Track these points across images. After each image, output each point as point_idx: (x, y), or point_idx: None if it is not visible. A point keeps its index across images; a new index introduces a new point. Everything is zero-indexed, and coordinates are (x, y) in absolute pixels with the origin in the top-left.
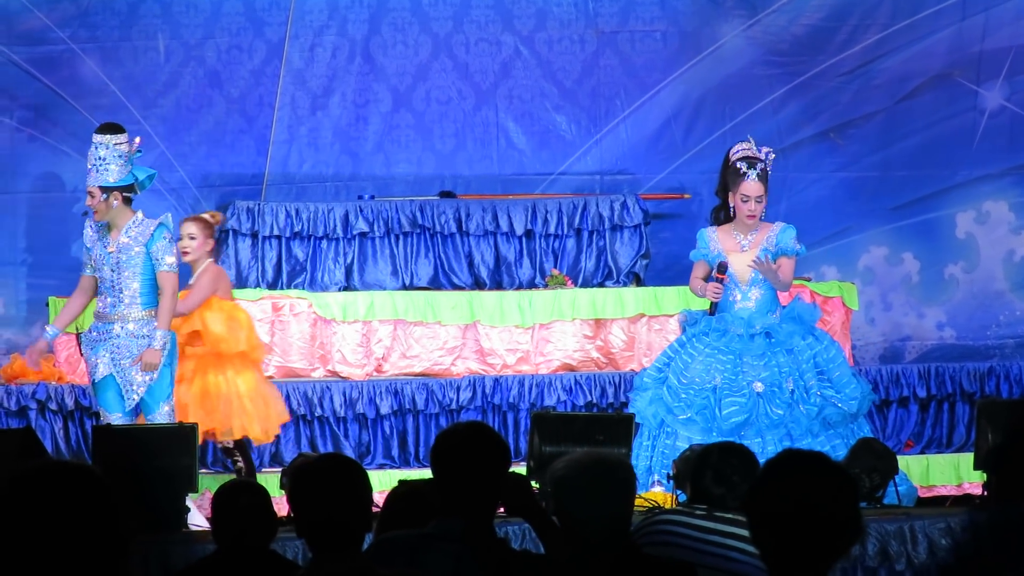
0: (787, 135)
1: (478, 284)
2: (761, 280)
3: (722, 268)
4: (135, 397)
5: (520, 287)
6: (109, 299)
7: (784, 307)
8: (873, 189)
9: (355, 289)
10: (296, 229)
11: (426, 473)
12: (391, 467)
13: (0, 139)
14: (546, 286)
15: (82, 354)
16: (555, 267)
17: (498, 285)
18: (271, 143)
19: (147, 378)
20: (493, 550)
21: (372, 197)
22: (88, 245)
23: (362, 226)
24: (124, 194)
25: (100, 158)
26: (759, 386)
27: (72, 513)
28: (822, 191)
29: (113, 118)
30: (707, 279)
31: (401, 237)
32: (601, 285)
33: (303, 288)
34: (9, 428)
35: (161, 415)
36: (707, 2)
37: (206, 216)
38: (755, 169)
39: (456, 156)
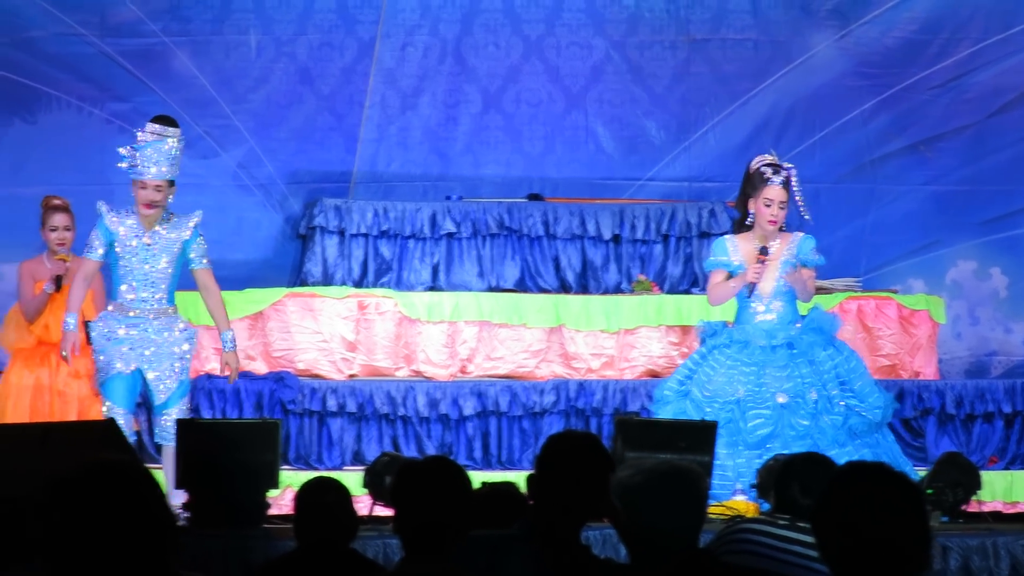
0: (876, 147)
1: (564, 288)
2: (783, 292)
3: (764, 250)
4: (164, 394)
5: (606, 292)
6: (140, 292)
7: (804, 318)
8: (962, 203)
9: (441, 289)
10: (383, 228)
11: (508, 475)
12: (473, 468)
13: (90, 131)
14: (632, 291)
15: (89, 342)
16: (642, 273)
17: (584, 289)
18: (360, 141)
19: (175, 377)
20: (575, 555)
21: (460, 198)
22: (114, 232)
23: (449, 226)
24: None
25: (169, 148)
26: (782, 398)
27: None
28: (910, 204)
29: (203, 112)
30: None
31: (488, 239)
32: (687, 292)
33: (389, 287)
34: (92, 420)
35: (177, 412)
36: (799, 12)
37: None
38: (779, 175)
39: (545, 159)
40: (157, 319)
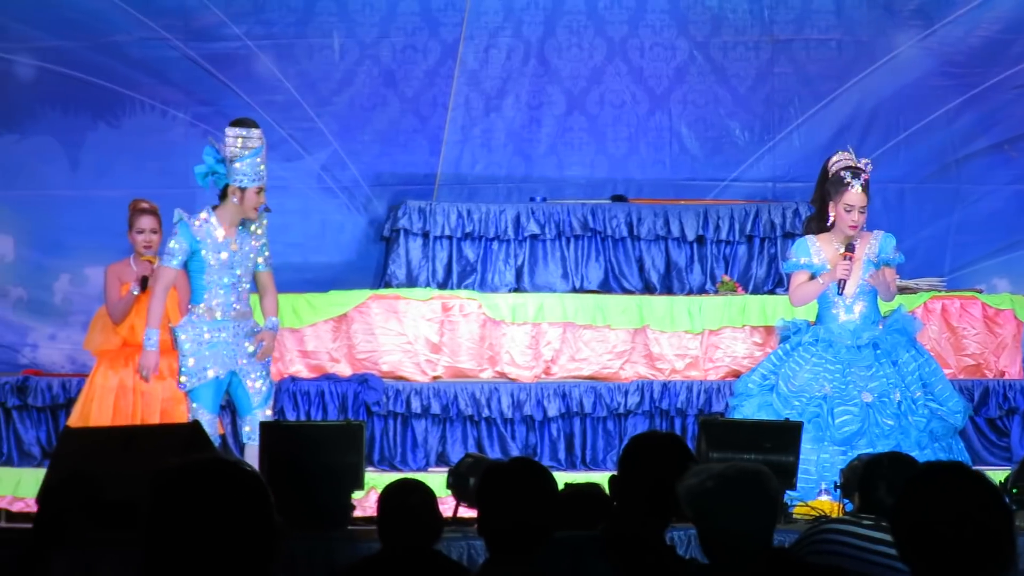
0: (961, 146)
1: (648, 289)
2: (866, 292)
3: (851, 247)
4: (257, 396)
5: (690, 292)
6: (229, 298)
7: (885, 318)
8: None
9: (525, 291)
10: (467, 230)
11: (592, 476)
12: (557, 470)
13: (174, 135)
14: (716, 292)
15: (175, 346)
16: (726, 273)
17: (668, 290)
18: (444, 143)
19: (266, 379)
20: (659, 556)
21: (544, 199)
22: (200, 240)
23: (533, 228)
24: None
25: (255, 151)
26: (868, 396)
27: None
28: (995, 203)
29: (286, 115)
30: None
31: (572, 240)
32: (772, 292)
33: (473, 289)
34: (176, 423)
35: (262, 416)
36: (883, 12)
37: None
38: (859, 179)
39: (629, 160)
40: (244, 322)
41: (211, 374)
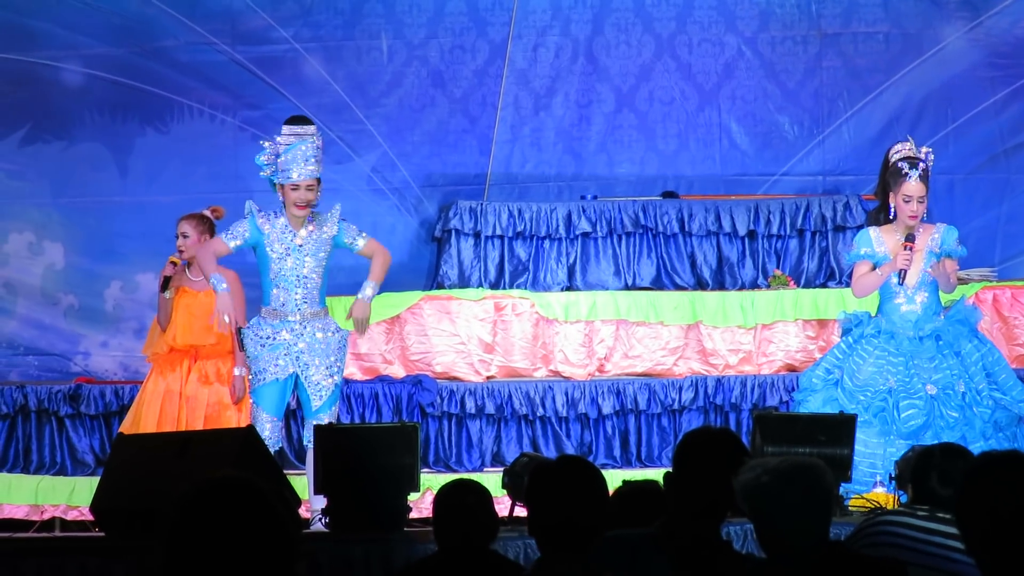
0: (1009, 137)
1: (700, 284)
2: (928, 283)
3: (911, 237)
4: (320, 399)
5: (742, 287)
6: (293, 295)
7: (947, 309)
8: None
9: (577, 289)
10: (519, 229)
11: (648, 473)
12: (613, 467)
13: (223, 139)
14: (768, 286)
15: (242, 348)
16: (777, 267)
17: (720, 285)
18: (494, 143)
19: (331, 381)
20: (715, 552)
21: (595, 197)
22: (264, 233)
23: (585, 226)
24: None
25: (317, 149)
26: (932, 389)
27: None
28: None
29: (336, 117)
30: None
31: (624, 237)
32: (824, 286)
33: (525, 288)
34: (231, 428)
35: (327, 418)
36: (929, 4)
37: (205, 212)
38: (916, 169)
39: (679, 156)
40: (311, 321)
41: (271, 376)
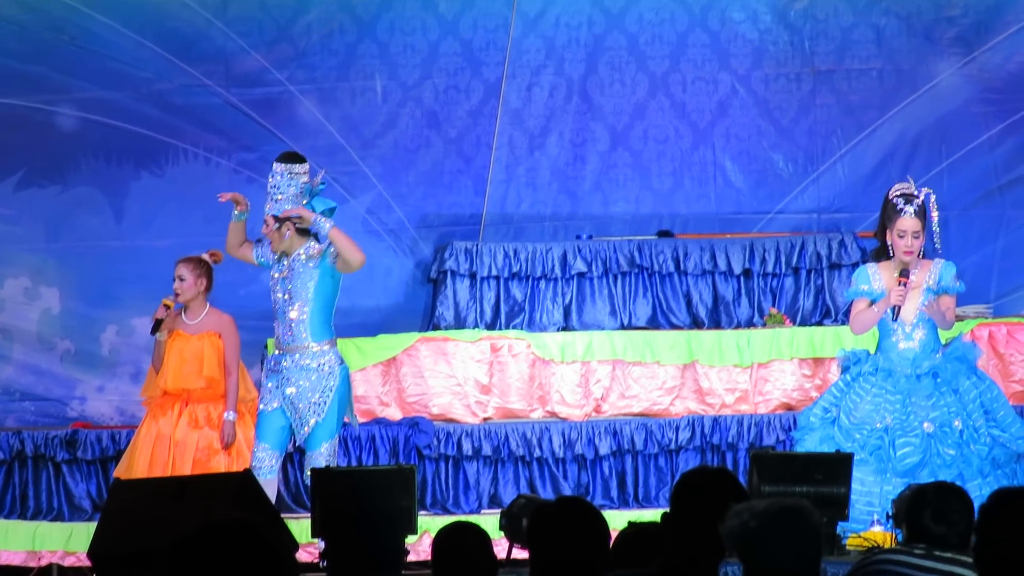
0: (1004, 172)
1: (696, 323)
2: (925, 320)
3: (905, 272)
4: (305, 430)
5: (738, 326)
6: (281, 327)
7: (946, 346)
8: None
9: (573, 329)
10: (514, 269)
11: (645, 514)
12: (610, 508)
13: (218, 182)
14: (764, 325)
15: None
16: (773, 306)
17: (716, 324)
18: (489, 183)
19: (317, 417)
20: None
21: (590, 237)
22: (264, 260)
23: (580, 266)
24: (298, 226)
25: (274, 186)
26: (929, 426)
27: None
28: None
29: (331, 159)
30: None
31: (619, 277)
32: (819, 324)
33: (521, 328)
34: (227, 473)
35: (321, 454)
36: (923, 40)
37: (204, 256)
38: (911, 205)
39: (674, 195)
40: (300, 354)
41: (261, 405)
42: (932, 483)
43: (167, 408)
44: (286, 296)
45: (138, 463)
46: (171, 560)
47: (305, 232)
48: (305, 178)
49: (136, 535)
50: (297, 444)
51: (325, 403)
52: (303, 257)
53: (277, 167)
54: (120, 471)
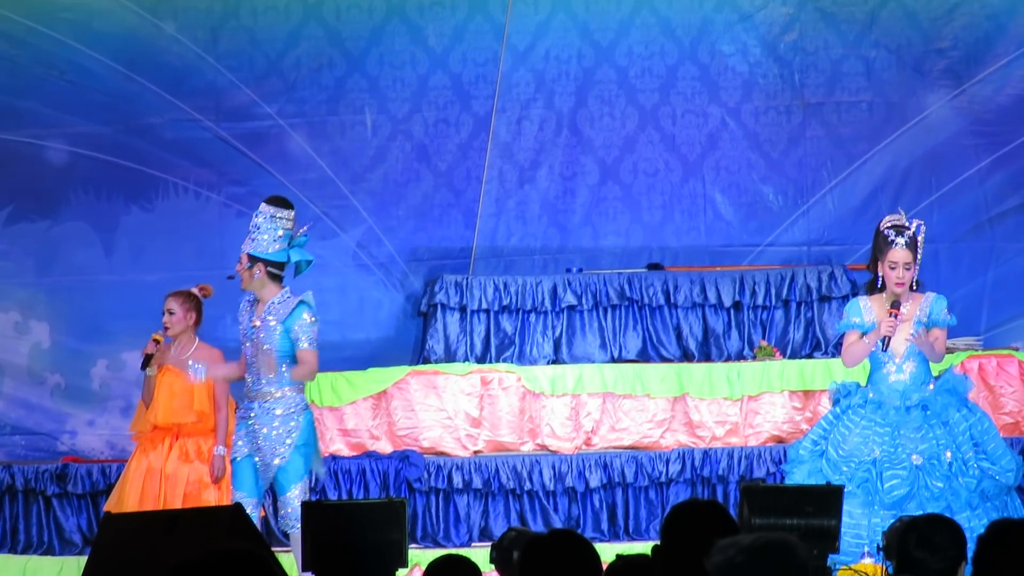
0: (994, 204)
1: (687, 356)
2: (916, 352)
3: (896, 304)
4: (269, 476)
5: (729, 359)
6: (250, 376)
7: (937, 379)
8: None
9: (564, 362)
10: (504, 303)
11: (636, 547)
12: (601, 540)
13: (208, 216)
14: (754, 358)
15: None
16: (763, 338)
17: (707, 357)
18: (479, 216)
19: (280, 460)
20: None
21: (580, 270)
22: (240, 317)
23: (570, 299)
24: (270, 269)
25: (256, 226)
26: (917, 459)
27: None
28: None
29: (320, 193)
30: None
31: (609, 310)
32: (810, 356)
33: (512, 362)
34: (218, 506)
35: (289, 499)
36: (912, 72)
37: (193, 290)
38: (903, 236)
39: (664, 228)
40: (267, 402)
41: (238, 454)
42: (923, 516)
43: (157, 442)
44: (255, 347)
45: (129, 497)
46: None
47: (278, 278)
48: (289, 224)
49: (127, 569)
50: (263, 490)
51: (289, 448)
52: (271, 320)
53: (263, 207)
54: (110, 505)
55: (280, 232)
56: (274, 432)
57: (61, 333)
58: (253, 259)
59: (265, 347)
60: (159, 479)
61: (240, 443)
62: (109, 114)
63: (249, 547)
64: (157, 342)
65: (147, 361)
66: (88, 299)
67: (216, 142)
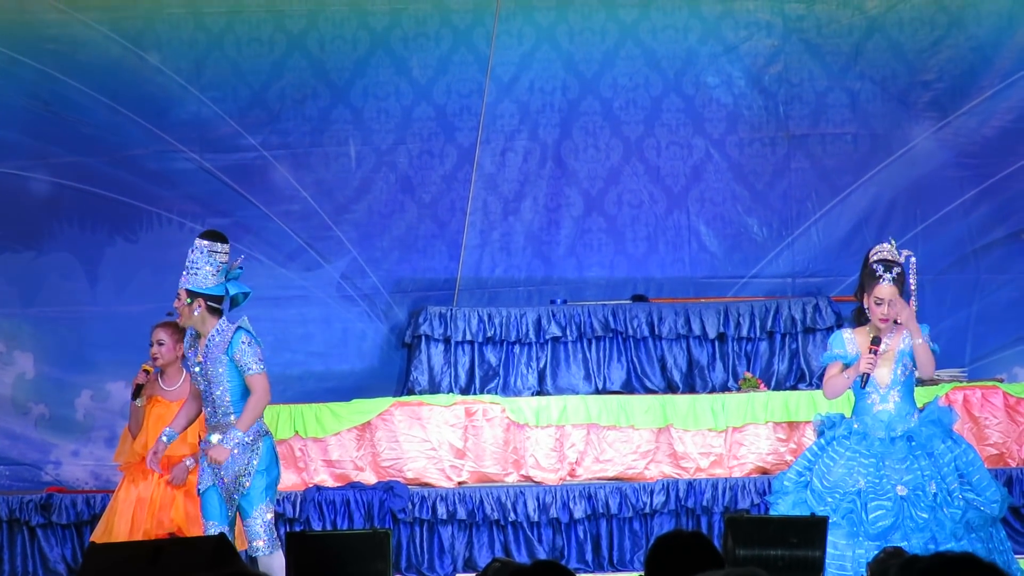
0: (978, 236)
1: (671, 388)
2: (901, 383)
3: (876, 340)
4: (234, 503)
5: (713, 390)
6: (208, 409)
7: (921, 410)
8: None
9: (548, 393)
10: (489, 334)
11: None
12: (585, 571)
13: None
14: (739, 389)
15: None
16: (748, 370)
17: (691, 389)
18: (463, 248)
19: (241, 490)
20: None
21: (564, 301)
22: (187, 353)
23: (555, 331)
24: (210, 303)
25: (192, 261)
26: (902, 490)
27: None
28: (1013, 292)
29: (304, 224)
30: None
31: (594, 341)
32: (794, 388)
33: (496, 393)
34: (203, 536)
35: (256, 521)
36: (897, 104)
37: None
38: (891, 272)
39: (648, 259)
40: (222, 433)
41: (204, 482)
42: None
43: (147, 472)
44: (206, 380)
45: (118, 528)
46: None
47: (216, 311)
48: (224, 258)
49: None
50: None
51: (249, 474)
52: (216, 342)
53: (198, 243)
54: (98, 535)
55: (217, 267)
56: (234, 462)
57: (45, 363)
58: (192, 294)
59: (218, 392)
60: (148, 509)
61: (203, 475)
62: (93, 145)
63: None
64: (147, 372)
65: (138, 391)
66: (72, 330)
67: (200, 173)
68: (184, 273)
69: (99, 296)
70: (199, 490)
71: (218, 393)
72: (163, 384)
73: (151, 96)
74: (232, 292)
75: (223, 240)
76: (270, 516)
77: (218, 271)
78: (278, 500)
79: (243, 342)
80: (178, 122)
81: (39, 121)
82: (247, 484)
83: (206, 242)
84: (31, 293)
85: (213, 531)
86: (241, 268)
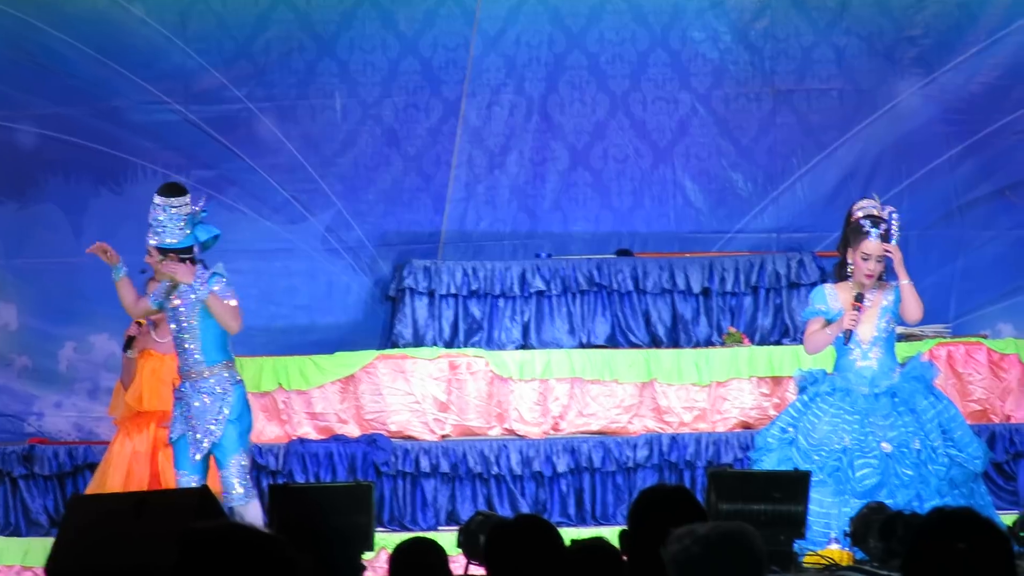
0: (963, 193)
1: (655, 342)
2: (882, 339)
3: (860, 297)
4: (199, 454)
5: (697, 345)
6: (180, 356)
7: (902, 365)
8: None
9: (532, 347)
10: (473, 288)
11: (602, 531)
12: (567, 525)
13: None
14: (723, 344)
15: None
16: (732, 325)
17: (675, 343)
18: (448, 201)
19: (211, 437)
20: None
21: (549, 255)
22: (157, 298)
23: (539, 284)
24: (182, 256)
25: (158, 220)
26: (887, 447)
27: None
28: (998, 248)
29: (290, 176)
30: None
31: (578, 295)
32: (778, 343)
33: (480, 346)
34: (187, 488)
35: (231, 472)
36: (883, 60)
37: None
38: (878, 228)
39: (633, 214)
40: (198, 381)
41: (176, 430)
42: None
43: (142, 427)
44: (179, 327)
45: (112, 481)
46: (179, 561)
47: (189, 261)
48: (186, 209)
49: (94, 551)
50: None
51: (220, 423)
52: (191, 296)
53: (157, 199)
54: (92, 489)
55: (182, 220)
56: (205, 410)
57: (29, 315)
58: (162, 251)
59: (188, 337)
60: (143, 462)
61: (175, 424)
62: (78, 97)
63: (248, 526)
64: (140, 324)
65: (129, 343)
66: (56, 281)
67: (185, 125)
68: (149, 231)
69: (83, 248)
70: (171, 438)
71: (190, 340)
72: (156, 336)
73: (136, 48)
74: (202, 238)
75: (181, 192)
76: (245, 463)
77: (184, 223)
78: (261, 452)
79: (218, 283)
80: (163, 74)
81: (24, 72)
82: (219, 433)
83: (164, 198)
84: (15, 244)
85: (185, 480)
86: (205, 211)
